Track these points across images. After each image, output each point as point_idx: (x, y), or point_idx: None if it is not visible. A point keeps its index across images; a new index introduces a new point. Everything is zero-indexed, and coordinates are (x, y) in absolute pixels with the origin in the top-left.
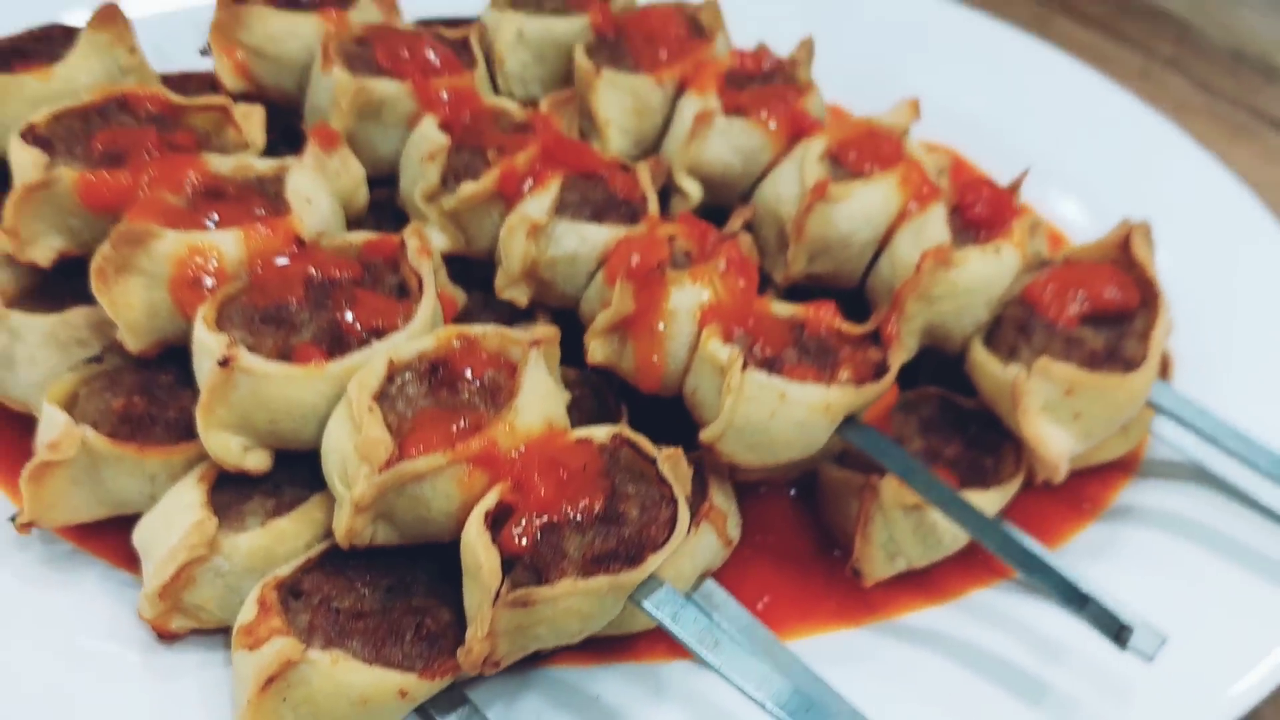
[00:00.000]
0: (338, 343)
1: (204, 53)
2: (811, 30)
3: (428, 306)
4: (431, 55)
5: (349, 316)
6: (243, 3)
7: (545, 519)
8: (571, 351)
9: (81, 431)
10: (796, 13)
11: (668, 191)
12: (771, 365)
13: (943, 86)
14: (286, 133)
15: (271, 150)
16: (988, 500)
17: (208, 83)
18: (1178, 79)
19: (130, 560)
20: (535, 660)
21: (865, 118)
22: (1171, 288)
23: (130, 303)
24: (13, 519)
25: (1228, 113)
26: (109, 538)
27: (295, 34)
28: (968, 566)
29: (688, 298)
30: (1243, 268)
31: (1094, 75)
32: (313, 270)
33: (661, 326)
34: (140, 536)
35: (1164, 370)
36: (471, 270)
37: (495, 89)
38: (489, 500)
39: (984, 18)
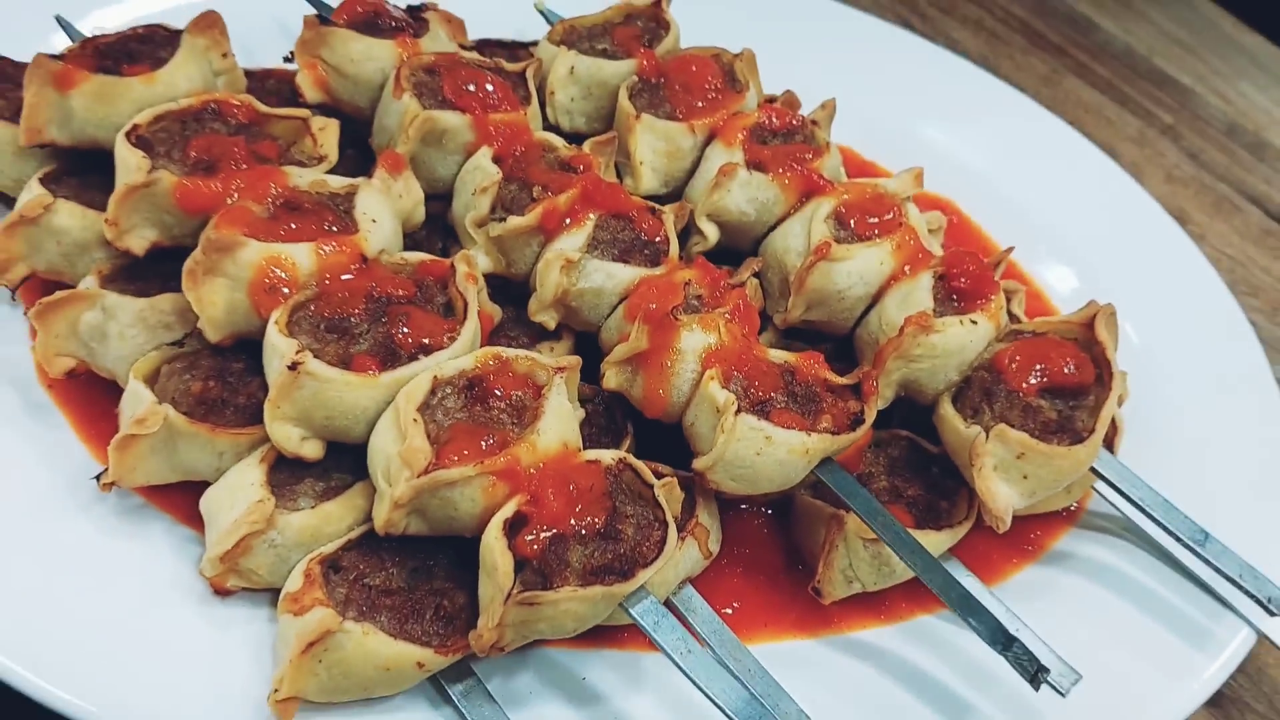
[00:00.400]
0: (390, 354)
1: (287, 60)
2: (832, 78)
3: (470, 328)
4: (491, 89)
5: (402, 331)
6: (328, 24)
7: (554, 531)
8: (589, 368)
9: (164, 410)
10: (819, 60)
11: (688, 230)
12: (762, 408)
13: (950, 140)
14: (354, 140)
15: (340, 154)
16: (938, 540)
17: (286, 81)
18: (1171, 147)
19: (190, 517)
20: (533, 642)
21: (872, 180)
22: (1133, 357)
23: (214, 300)
24: (96, 478)
25: (1213, 185)
26: (173, 495)
27: (372, 57)
28: (915, 594)
29: (695, 341)
30: (1197, 344)
31: (1091, 147)
32: (373, 286)
33: (669, 364)
34: (206, 504)
35: (1113, 434)
36: (509, 288)
37: (543, 114)
38: (508, 509)
39: (995, 80)
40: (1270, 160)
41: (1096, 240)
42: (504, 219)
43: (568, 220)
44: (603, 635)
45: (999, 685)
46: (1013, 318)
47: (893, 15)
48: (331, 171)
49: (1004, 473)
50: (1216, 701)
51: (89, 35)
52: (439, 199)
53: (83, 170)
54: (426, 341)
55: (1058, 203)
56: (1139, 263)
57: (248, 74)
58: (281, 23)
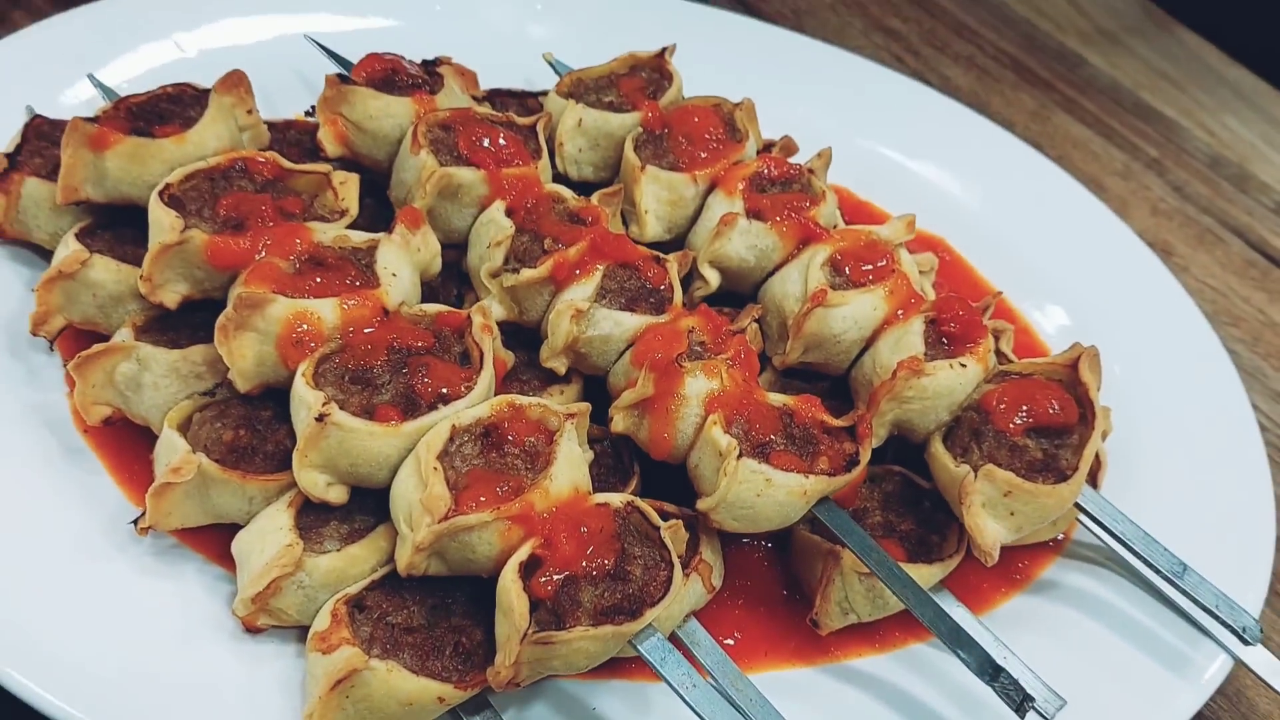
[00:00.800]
0: (411, 404)
1: (308, 114)
2: (828, 120)
3: (486, 377)
4: (504, 143)
5: (422, 381)
6: (348, 82)
7: (567, 573)
8: (598, 410)
9: (198, 458)
10: (816, 103)
11: (691, 275)
12: (762, 450)
13: (942, 179)
14: (373, 189)
15: (360, 205)
16: (930, 573)
17: (307, 131)
18: (1156, 181)
19: (221, 556)
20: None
21: (866, 228)
22: (1117, 392)
23: (244, 353)
24: (133, 522)
25: (1197, 218)
26: (205, 536)
27: (390, 114)
28: (908, 624)
29: (698, 387)
30: (1179, 379)
31: (1078, 185)
32: (394, 338)
33: (674, 409)
34: (238, 547)
35: (1097, 468)
36: (521, 334)
37: (552, 163)
38: (523, 553)
39: (985, 120)
40: (1253, 192)
41: (1083, 278)
42: (517, 270)
43: (577, 271)
44: (612, 667)
45: (989, 710)
46: (1002, 356)
47: (887, 54)
48: (352, 223)
49: (992, 510)
50: None
51: (116, 89)
52: (455, 248)
53: (116, 224)
54: (445, 391)
55: (1046, 241)
56: (1123, 299)
57: (270, 126)
58: (300, 73)
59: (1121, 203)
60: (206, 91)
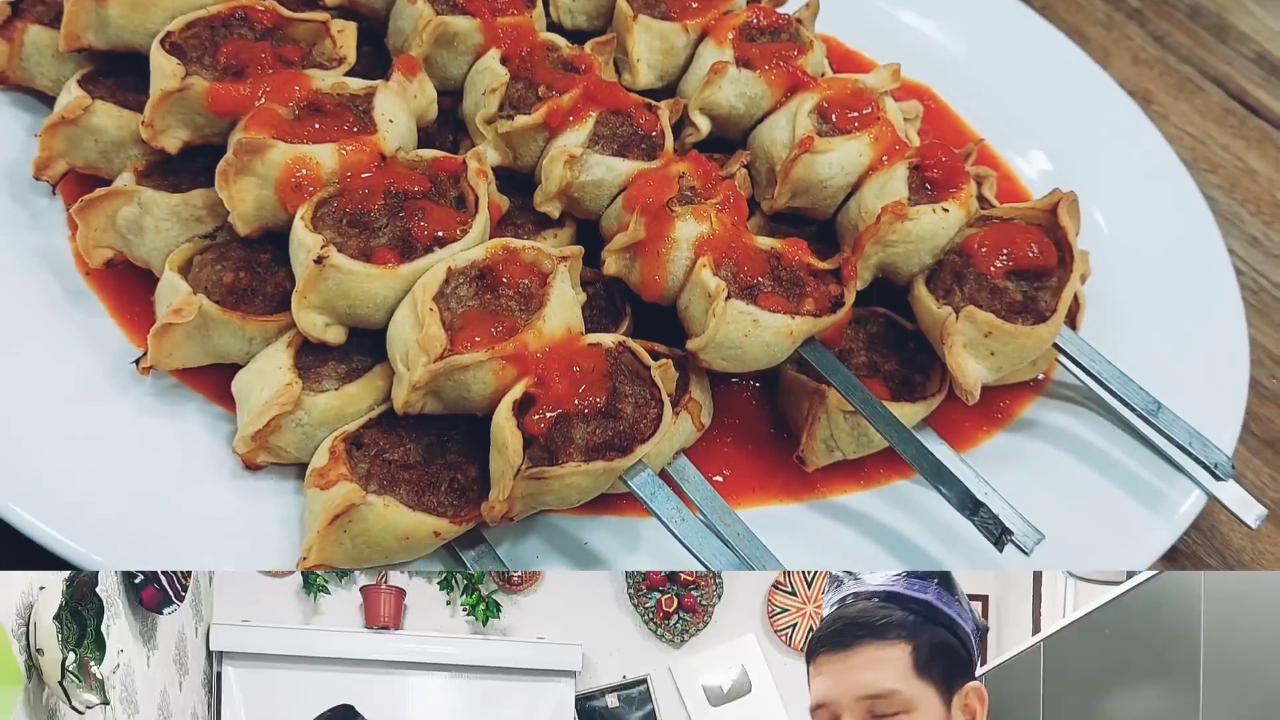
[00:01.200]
0: (407, 247)
1: None
2: None
3: (481, 221)
4: None
5: (419, 225)
6: None
7: (559, 411)
8: (590, 253)
9: (199, 299)
10: None
11: (682, 123)
12: (750, 292)
13: (928, 29)
14: (370, 37)
15: (358, 52)
16: (913, 411)
17: None
18: (1137, 31)
19: (220, 396)
20: (539, 511)
21: (852, 76)
22: (1097, 236)
23: (244, 198)
24: (135, 362)
25: (1177, 67)
26: (205, 376)
27: None
28: (892, 461)
29: (688, 230)
30: (1157, 224)
31: (1060, 35)
32: (391, 183)
33: (664, 252)
34: (238, 386)
35: (1075, 310)
36: (515, 179)
37: (546, 12)
38: (516, 391)
39: None
40: (1231, 42)
41: (1064, 125)
42: (511, 117)
43: (571, 117)
44: (603, 502)
45: (969, 544)
46: (985, 202)
47: None
48: (350, 70)
49: (973, 350)
50: (1173, 557)
51: None
52: (451, 95)
53: (117, 71)
54: (441, 234)
55: (1029, 89)
56: (1104, 146)
57: None
58: None
59: (1103, 52)
60: None
